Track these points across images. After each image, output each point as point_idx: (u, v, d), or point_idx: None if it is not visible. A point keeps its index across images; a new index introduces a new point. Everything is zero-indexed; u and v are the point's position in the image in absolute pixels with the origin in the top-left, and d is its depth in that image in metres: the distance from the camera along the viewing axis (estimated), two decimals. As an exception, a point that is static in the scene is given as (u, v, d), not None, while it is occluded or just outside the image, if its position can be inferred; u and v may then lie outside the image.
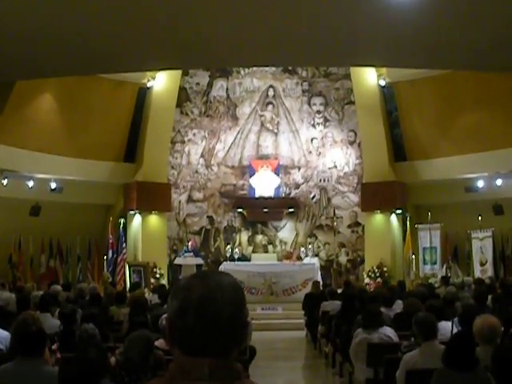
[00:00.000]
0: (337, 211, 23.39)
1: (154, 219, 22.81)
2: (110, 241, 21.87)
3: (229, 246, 22.74)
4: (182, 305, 2.04)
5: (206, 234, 23.83)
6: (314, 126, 23.84)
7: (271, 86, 24.06)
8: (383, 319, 8.86)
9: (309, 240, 23.57)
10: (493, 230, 20.47)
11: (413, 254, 21.57)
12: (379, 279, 21.38)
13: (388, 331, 8.52)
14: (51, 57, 11.64)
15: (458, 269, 20.73)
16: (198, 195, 23.83)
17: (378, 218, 22.65)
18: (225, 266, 20.97)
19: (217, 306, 2.02)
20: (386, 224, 22.54)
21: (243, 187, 23.83)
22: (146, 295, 15.14)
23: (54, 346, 6.97)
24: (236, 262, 21.58)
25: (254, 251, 23.52)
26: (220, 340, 2.03)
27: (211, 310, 2.01)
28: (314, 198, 23.77)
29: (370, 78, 22.26)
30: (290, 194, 23.84)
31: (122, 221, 22.31)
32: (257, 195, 23.36)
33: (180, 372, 2.04)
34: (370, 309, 8.93)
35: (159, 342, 7.31)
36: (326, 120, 23.79)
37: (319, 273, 21.00)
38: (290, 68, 23.54)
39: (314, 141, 23.81)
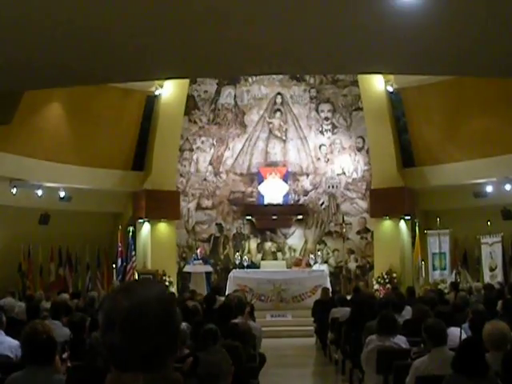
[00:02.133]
0: (346, 218, 23.37)
1: (162, 227, 22.82)
2: (119, 249, 21.91)
3: (238, 254, 22.76)
4: (107, 321, 2.00)
5: (215, 241, 23.83)
6: (322, 132, 23.84)
7: (279, 93, 24.08)
8: (397, 326, 8.80)
9: (318, 247, 23.56)
10: (502, 235, 20.42)
11: (422, 259, 21.55)
12: (388, 285, 21.32)
13: (402, 341, 8.45)
14: (60, 66, 11.68)
15: (468, 274, 20.68)
16: (206, 203, 23.85)
17: (387, 224, 22.62)
18: (234, 274, 21.00)
19: (142, 321, 1.97)
20: (395, 230, 22.50)
21: (252, 194, 23.84)
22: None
23: (65, 355, 6.98)
24: (245, 270, 21.60)
25: (263, 258, 23.50)
26: (150, 354, 1.99)
27: (136, 326, 1.97)
28: (322, 204, 23.77)
29: (377, 84, 22.26)
30: (298, 200, 23.84)
31: (131, 229, 22.33)
32: (265, 202, 23.37)
33: None
34: (386, 314, 8.86)
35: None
36: (334, 126, 23.80)
37: (328, 279, 20.96)
38: (297, 75, 23.55)
39: (323, 147, 23.81)
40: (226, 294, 16.37)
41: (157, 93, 22.29)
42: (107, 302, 2.05)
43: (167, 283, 21.80)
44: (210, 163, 23.89)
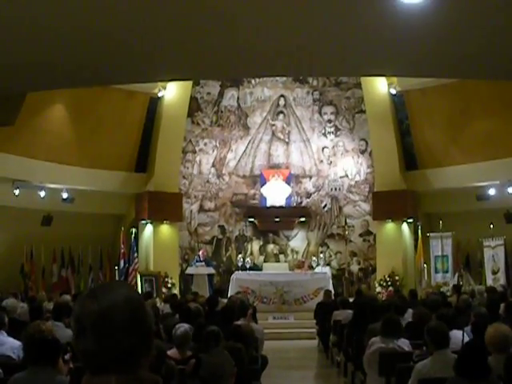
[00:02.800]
0: (348, 220, 23.35)
1: (165, 229, 22.84)
2: (122, 250, 21.92)
3: (240, 256, 22.74)
4: (78, 326, 2.01)
5: (217, 243, 23.84)
6: (325, 135, 23.84)
7: (282, 96, 24.08)
8: (401, 328, 8.79)
9: (320, 249, 23.55)
10: (505, 238, 20.40)
11: (424, 262, 21.54)
12: (391, 288, 21.31)
13: (405, 344, 8.43)
14: (63, 68, 11.70)
15: (470, 277, 20.66)
16: (209, 205, 23.85)
17: (390, 226, 22.62)
18: (236, 276, 21.00)
19: (111, 326, 1.98)
20: (398, 233, 22.50)
21: (254, 197, 23.84)
22: (158, 305, 15.13)
23: (67, 356, 6.98)
24: (248, 272, 21.58)
25: (265, 260, 23.50)
26: (122, 358, 2.00)
27: (106, 332, 1.98)
28: (325, 207, 23.76)
29: (380, 86, 22.26)
30: (301, 203, 23.83)
31: (134, 230, 22.34)
32: (268, 204, 23.36)
33: None
34: (390, 317, 8.86)
35: (172, 352, 7.32)
36: (336, 129, 23.79)
37: (331, 282, 20.95)
38: (300, 77, 23.55)
39: (325, 150, 23.81)
40: (229, 296, 16.35)
41: (160, 95, 22.30)
42: (77, 307, 2.07)
43: (169, 285, 21.82)
44: (213, 165, 23.90)
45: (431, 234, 21.99)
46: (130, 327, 2.01)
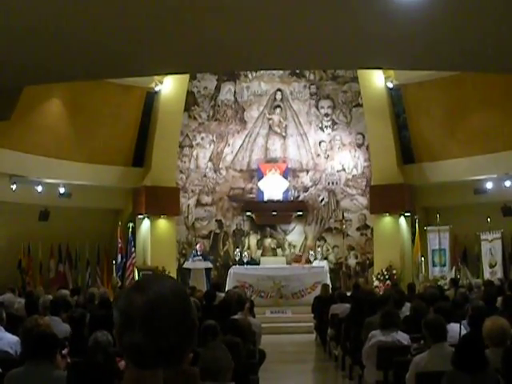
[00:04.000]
0: (345, 214, 23.37)
1: (162, 223, 22.83)
2: (119, 245, 21.92)
3: (238, 250, 22.76)
4: (125, 322, 1.99)
5: (214, 237, 23.83)
6: (322, 128, 23.83)
7: (279, 90, 24.06)
8: (399, 321, 8.81)
9: (318, 243, 23.56)
10: (502, 231, 20.41)
11: (422, 256, 21.56)
12: (388, 282, 21.32)
13: (404, 338, 8.44)
14: (59, 62, 11.67)
15: (468, 271, 20.67)
16: (206, 199, 23.84)
17: (387, 220, 22.63)
18: (234, 270, 21.01)
19: (161, 319, 1.97)
20: (395, 226, 22.52)
21: (252, 191, 23.83)
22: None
23: (65, 351, 6.98)
24: (245, 266, 21.59)
25: (262, 255, 23.50)
26: (169, 351, 1.99)
27: (156, 325, 1.96)
28: (322, 201, 23.76)
29: (377, 80, 22.25)
30: (298, 197, 23.83)
31: (131, 225, 22.32)
32: (265, 199, 23.35)
33: (135, 382, 2.00)
34: (389, 310, 8.89)
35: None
36: (334, 123, 23.78)
37: (328, 276, 20.96)
38: (297, 71, 23.52)
39: (322, 144, 23.80)
40: (226, 290, 16.35)
41: (157, 89, 22.29)
42: (122, 301, 2.03)
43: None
44: (210, 159, 23.88)
45: (428, 228, 22.01)
46: (178, 319, 2.00)
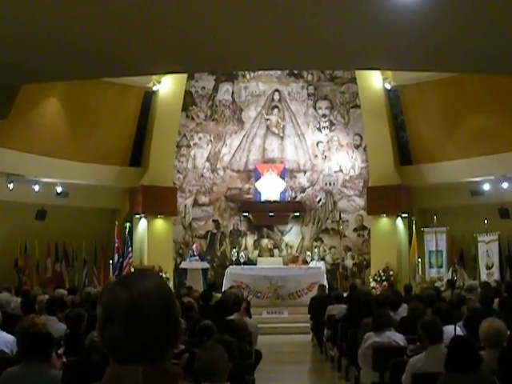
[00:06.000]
0: (342, 215, 23.38)
1: (159, 223, 22.82)
2: (116, 245, 21.91)
3: (235, 250, 22.78)
4: (106, 316, 1.99)
5: (211, 237, 23.82)
6: (319, 129, 23.83)
7: (277, 90, 24.05)
8: (392, 320, 8.83)
9: (315, 244, 23.56)
10: (499, 233, 20.43)
11: (419, 257, 21.55)
12: (385, 283, 21.34)
13: (398, 337, 8.46)
14: (57, 61, 11.66)
15: (464, 272, 20.68)
16: (203, 199, 23.83)
17: (384, 221, 22.63)
18: (231, 270, 21.00)
19: (142, 315, 1.96)
20: (392, 227, 22.52)
21: (249, 191, 23.82)
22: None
23: (61, 350, 6.97)
24: (242, 266, 21.59)
25: (259, 255, 23.49)
26: (150, 347, 1.98)
27: (137, 321, 1.96)
28: (319, 201, 23.76)
29: (375, 81, 22.25)
30: (295, 197, 23.82)
31: (128, 225, 22.32)
32: (262, 199, 23.33)
33: (114, 379, 2.00)
34: (379, 312, 8.93)
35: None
36: (331, 124, 23.78)
37: (325, 276, 20.95)
38: (295, 72, 23.53)
39: (320, 144, 23.80)
40: (223, 290, 16.35)
41: (154, 89, 22.28)
42: (105, 295, 2.04)
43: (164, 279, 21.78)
44: (208, 159, 23.87)
45: (425, 229, 22.02)
46: (160, 317, 1.99)
